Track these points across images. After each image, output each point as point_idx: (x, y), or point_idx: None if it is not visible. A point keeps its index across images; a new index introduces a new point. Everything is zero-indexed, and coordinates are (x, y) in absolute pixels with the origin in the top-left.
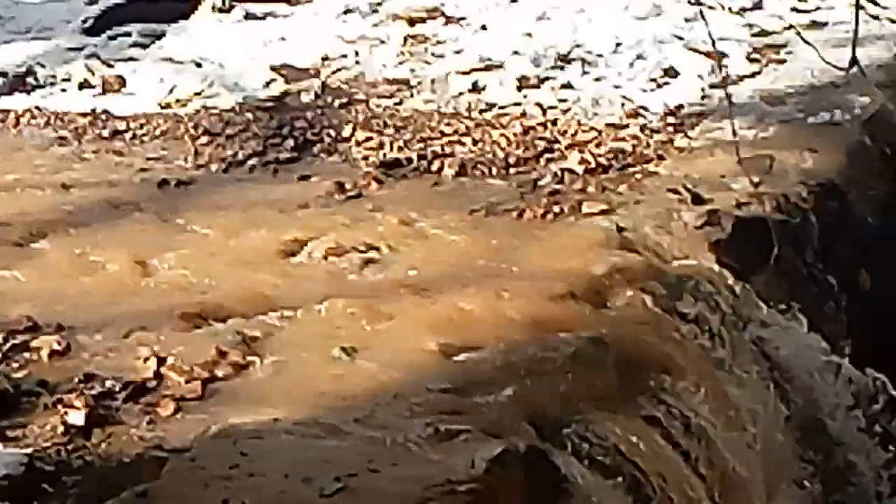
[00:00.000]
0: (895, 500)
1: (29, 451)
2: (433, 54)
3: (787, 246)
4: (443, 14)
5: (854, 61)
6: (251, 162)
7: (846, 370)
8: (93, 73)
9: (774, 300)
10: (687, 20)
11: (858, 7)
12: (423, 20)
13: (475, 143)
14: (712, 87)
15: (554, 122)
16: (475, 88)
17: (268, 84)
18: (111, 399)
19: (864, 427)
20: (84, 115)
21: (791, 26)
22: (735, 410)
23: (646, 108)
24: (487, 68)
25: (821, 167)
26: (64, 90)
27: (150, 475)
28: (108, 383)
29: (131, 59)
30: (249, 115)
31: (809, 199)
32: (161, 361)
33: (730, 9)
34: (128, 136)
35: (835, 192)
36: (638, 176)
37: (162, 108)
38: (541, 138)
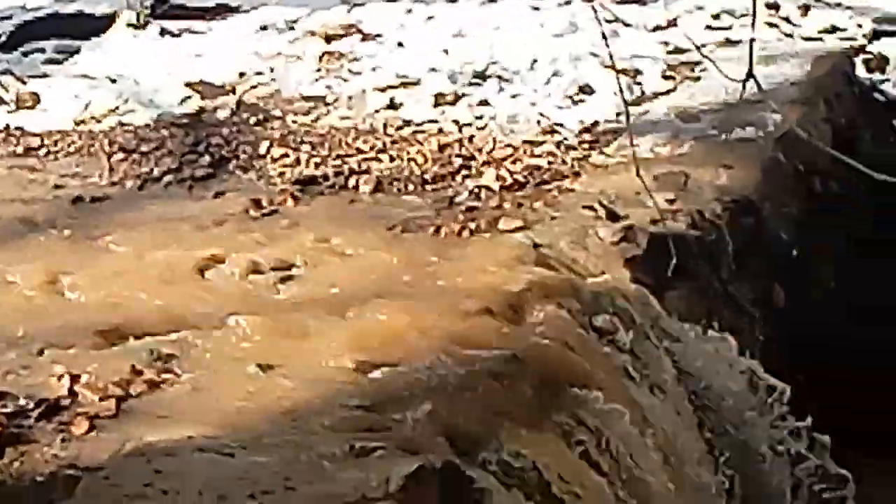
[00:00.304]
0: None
1: None
2: (350, 71)
3: (702, 262)
4: (359, 31)
5: (750, 75)
6: (166, 178)
7: (758, 380)
8: (6, 90)
9: (689, 315)
10: (603, 37)
11: (755, 20)
12: (339, 37)
13: (392, 159)
14: (628, 104)
15: (470, 139)
16: (392, 105)
17: (183, 101)
18: (24, 418)
19: (774, 437)
20: None
21: (698, 46)
22: (650, 423)
23: (562, 125)
24: (404, 85)
25: (735, 184)
26: None
27: (64, 494)
28: (21, 401)
29: (45, 74)
30: (165, 132)
31: (724, 215)
32: (75, 379)
33: (644, 27)
34: (42, 152)
35: (749, 208)
36: (554, 192)
37: (76, 124)
38: (457, 155)
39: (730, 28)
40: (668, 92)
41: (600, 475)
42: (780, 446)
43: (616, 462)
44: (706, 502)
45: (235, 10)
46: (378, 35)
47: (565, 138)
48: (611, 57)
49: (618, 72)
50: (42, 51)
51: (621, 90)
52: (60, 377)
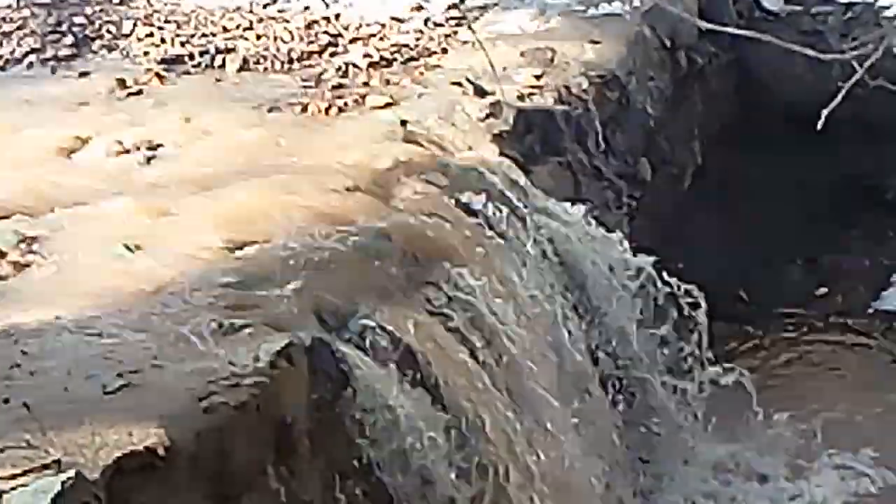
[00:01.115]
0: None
1: None
2: None
3: (569, 137)
4: None
5: None
6: (29, 59)
7: (625, 256)
8: None
9: (556, 190)
10: None
11: None
12: None
13: (258, 38)
14: None
15: (337, 17)
16: None
17: None
18: None
19: (640, 310)
20: None
21: None
22: (519, 298)
23: (428, 1)
24: None
25: (602, 59)
26: None
27: None
28: None
29: None
30: (27, 12)
31: (590, 90)
32: None
33: None
34: None
35: (615, 82)
36: (421, 69)
37: None
38: (324, 33)
39: None
40: None
41: (469, 349)
42: (642, 314)
43: (484, 336)
44: (576, 376)
45: None
46: None
47: (432, 15)
48: None
49: None
50: None
51: None
52: None
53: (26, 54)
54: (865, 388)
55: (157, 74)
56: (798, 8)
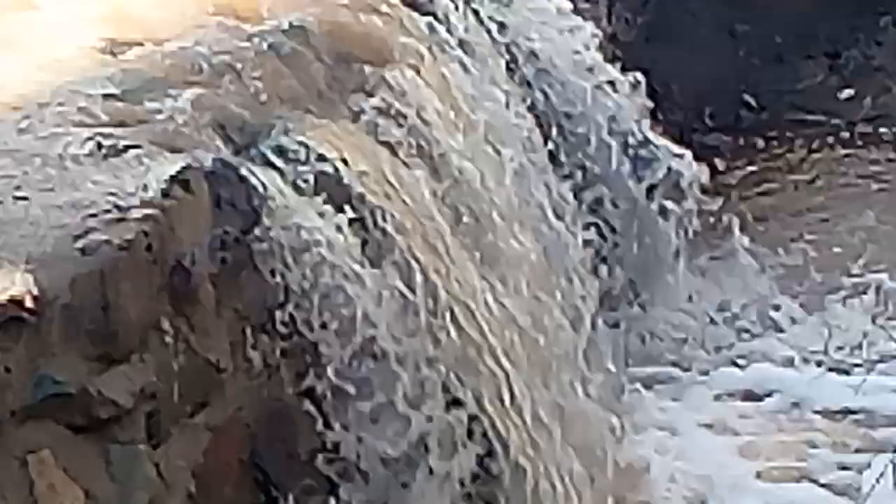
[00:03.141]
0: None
1: None
2: None
3: None
4: None
5: None
6: None
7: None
8: None
9: None
10: None
11: None
12: None
13: None
14: None
15: None
16: None
17: None
18: None
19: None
20: None
21: None
22: (464, 101)
23: None
24: None
25: None
26: None
27: None
28: None
29: None
30: None
31: None
32: None
33: None
34: None
35: None
36: None
37: None
38: None
39: None
40: None
41: (407, 166)
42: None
43: (426, 150)
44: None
45: None
46: None
47: None
48: None
49: None
50: None
51: None
52: None
53: None
54: None
55: None
56: None
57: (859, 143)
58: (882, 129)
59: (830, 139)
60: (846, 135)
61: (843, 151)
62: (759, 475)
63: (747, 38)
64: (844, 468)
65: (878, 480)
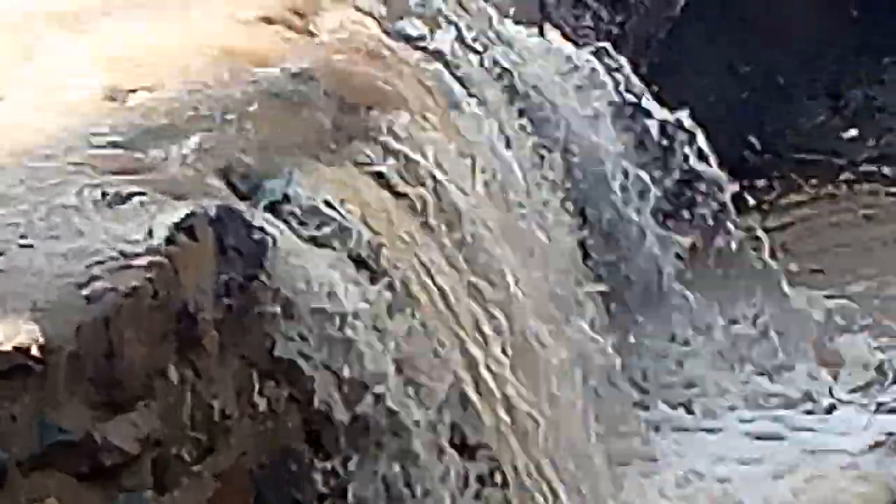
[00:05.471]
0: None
1: None
2: None
3: None
4: None
5: None
6: None
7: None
8: None
9: (523, 15)
10: None
11: None
12: None
13: None
14: None
15: None
16: None
17: None
18: None
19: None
20: None
21: None
22: (472, 149)
23: None
24: None
25: None
26: None
27: None
28: None
29: None
30: None
31: None
32: None
33: None
34: None
35: None
36: None
37: None
38: None
39: None
40: None
41: (413, 212)
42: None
43: (434, 196)
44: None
45: None
46: None
47: None
48: None
49: None
50: None
51: None
52: None
53: None
54: None
55: None
56: None
57: (863, 183)
58: (885, 170)
59: (830, 180)
60: (849, 175)
61: (847, 191)
62: None
63: (749, 78)
64: None
65: None
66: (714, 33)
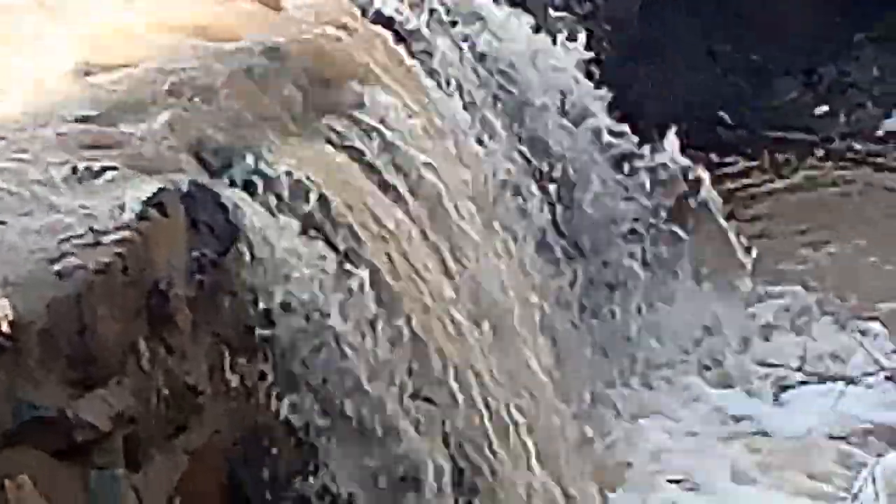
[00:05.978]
0: None
1: None
2: None
3: None
4: None
5: None
6: None
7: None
8: None
9: None
10: None
11: None
12: None
13: None
14: None
15: None
16: None
17: None
18: None
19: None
20: None
21: None
22: (441, 121)
23: None
24: None
25: None
26: None
27: None
28: None
29: None
30: None
31: None
32: None
33: None
34: None
35: None
36: None
37: None
38: None
39: None
40: None
41: (382, 188)
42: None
43: (401, 171)
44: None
45: None
46: None
47: None
48: None
49: None
50: None
51: None
52: None
53: None
54: (878, 231)
55: None
56: None
57: (835, 158)
58: (857, 146)
59: (802, 156)
60: (821, 152)
61: (817, 167)
62: None
63: (725, 56)
64: None
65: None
66: (688, 9)
